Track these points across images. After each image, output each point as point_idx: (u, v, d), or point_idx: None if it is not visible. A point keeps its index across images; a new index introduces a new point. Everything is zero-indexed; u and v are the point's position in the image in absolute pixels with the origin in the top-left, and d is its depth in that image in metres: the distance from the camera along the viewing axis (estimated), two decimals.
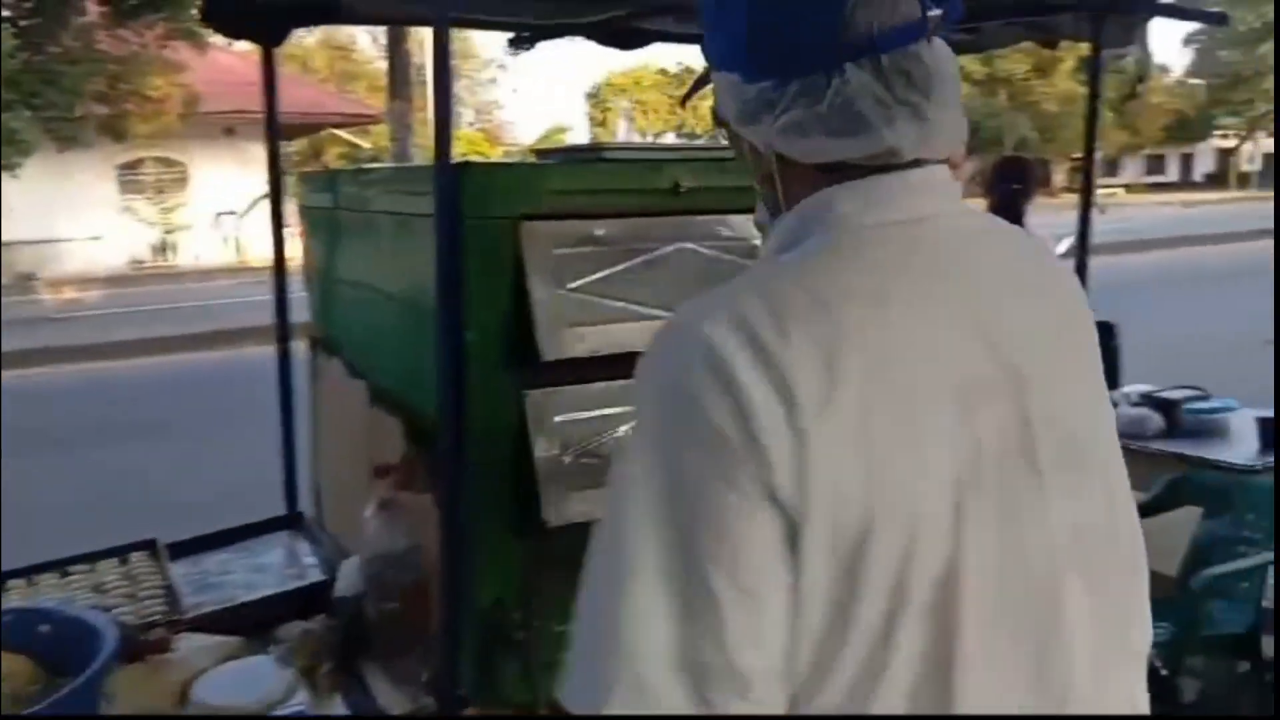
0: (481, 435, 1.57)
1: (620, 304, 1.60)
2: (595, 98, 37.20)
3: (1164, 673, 1.97)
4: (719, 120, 0.93)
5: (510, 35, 2.42)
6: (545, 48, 2.57)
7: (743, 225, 1.71)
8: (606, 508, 0.79)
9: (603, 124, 35.31)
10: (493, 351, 1.56)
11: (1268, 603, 2.72)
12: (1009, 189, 3.85)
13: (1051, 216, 5.54)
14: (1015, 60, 29.56)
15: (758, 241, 1.70)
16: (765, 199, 0.93)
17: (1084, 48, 2.58)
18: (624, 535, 0.75)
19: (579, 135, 35.50)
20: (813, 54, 0.82)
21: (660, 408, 0.78)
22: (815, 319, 0.76)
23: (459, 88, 34.32)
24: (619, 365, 1.61)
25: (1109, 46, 2.31)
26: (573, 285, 1.58)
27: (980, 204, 4.35)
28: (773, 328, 0.75)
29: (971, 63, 31.70)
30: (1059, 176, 36.81)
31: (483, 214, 1.54)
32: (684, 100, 1.09)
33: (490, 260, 1.55)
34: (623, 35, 2.61)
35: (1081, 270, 2.74)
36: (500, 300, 1.56)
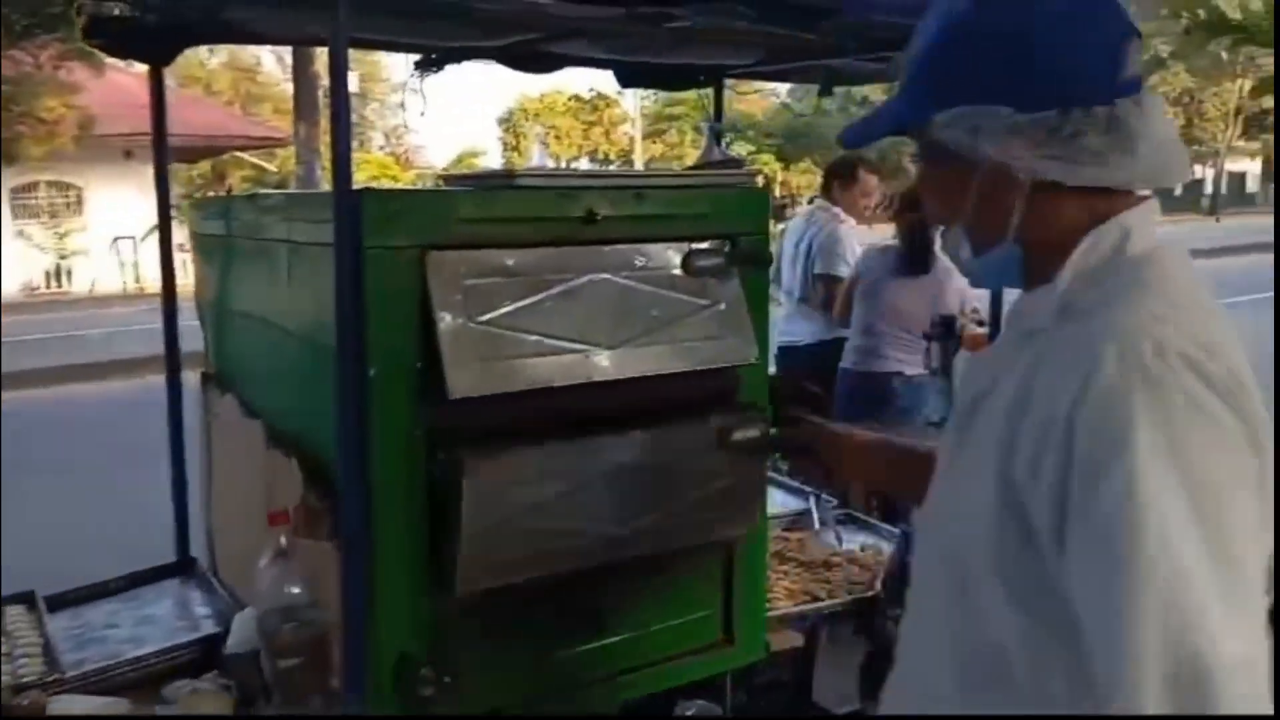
0: (386, 478, 1.47)
1: (535, 337, 1.53)
2: (507, 122, 37.09)
3: None
4: (934, 155, 1.00)
5: (417, 57, 2.34)
6: (455, 70, 2.49)
7: (660, 254, 1.66)
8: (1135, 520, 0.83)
9: (515, 149, 35.20)
10: (397, 389, 1.48)
11: None
12: (913, 214, 3.90)
13: None
14: None
15: (676, 271, 1.66)
16: (979, 225, 1.00)
17: None
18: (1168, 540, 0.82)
19: (492, 160, 35.35)
20: (1095, 86, 0.94)
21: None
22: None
23: (368, 110, 33.86)
24: (533, 401, 1.55)
25: None
26: (483, 318, 1.50)
27: (890, 230, 4.40)
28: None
29: (879, 92, 32.42)
30: None
31: (386, 243, 1.45)
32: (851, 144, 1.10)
33: (394, 292, 1.47)
34: (532, 59, 2.55)
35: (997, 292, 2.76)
36: (405, 335, 1.47)
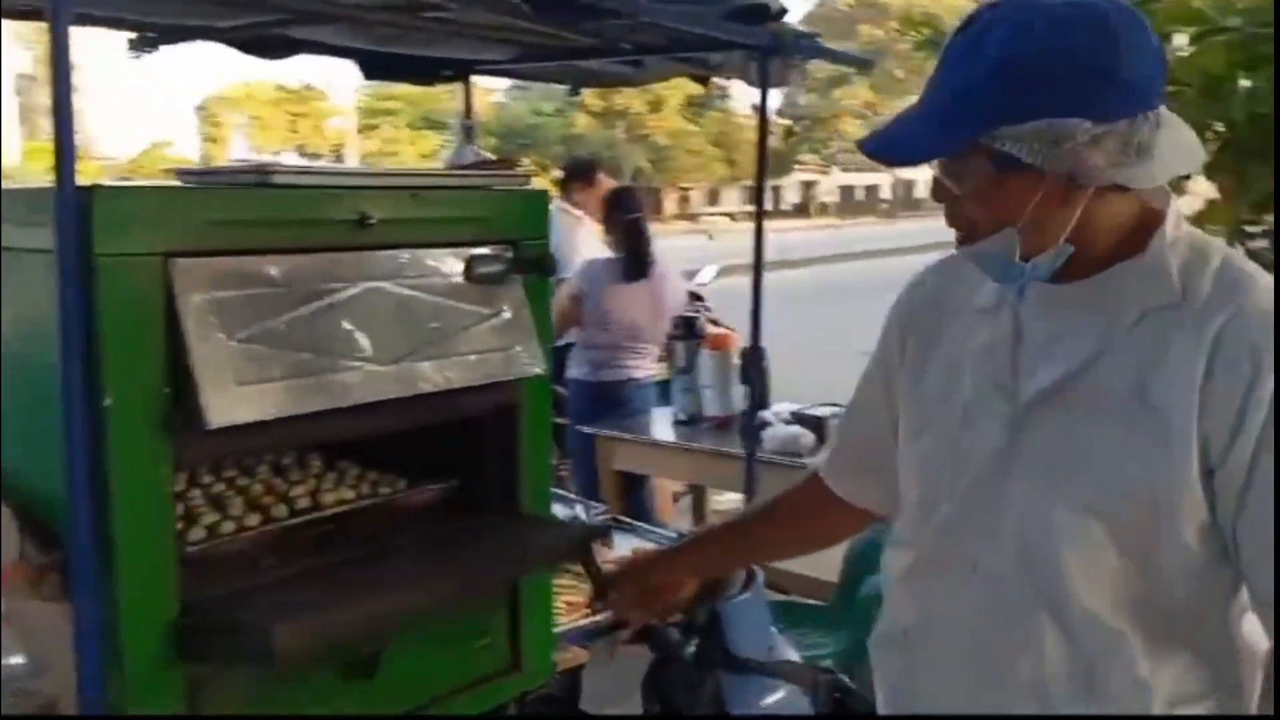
0: (129, 525, 1.26)
1: (304, 355, 1.36)
2: (204, 110, 34.50)
3: (853, 687, 2.03)
4: (999, 166, 1.03)
5: (133, 35, 2.06)
6: (133, 55, 2.22)
7: (439, 261, 1.54)
8: None
9: (213, 139, 32.80)
10: (140, 420, 1.27)
11: None
12: (625, 217, 3.98)
13: (668, 241, 5.83)
14: (630, 96, 31.30)
15: (457, 279, 1.54)
16: (1038, 230, 1.05)
17: (690, 86, 2.78)
18: None
19: (185, 150, 32.70)
20: (1155, 91, 1.04)
21: None
22: None
23: (41, 94, 30.34)
24: (303, 427, 1.39)
25: (771, 85, 2.39)
26: (242, 335, 1.32)
27: (598, 229, 4.45)
28: None
29: (591, 96, 33.12)
30: (669, 204, 39.46)
31: (121, 249, 1.24)
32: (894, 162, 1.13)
33: (132, 306, 1.25)
34: (265, 44, 2.33)
35: (757, 288, 2.82)
36: (148, 356, 1.27)
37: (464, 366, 1.53)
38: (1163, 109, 1.04)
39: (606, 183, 4.71)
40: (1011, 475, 1.12)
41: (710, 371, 3.73)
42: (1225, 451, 1.01)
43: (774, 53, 2.27)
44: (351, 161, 24.19)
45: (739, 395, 3.66)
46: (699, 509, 4.33)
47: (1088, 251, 1.07)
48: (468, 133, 2.65)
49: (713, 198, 42.57)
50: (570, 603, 2.08)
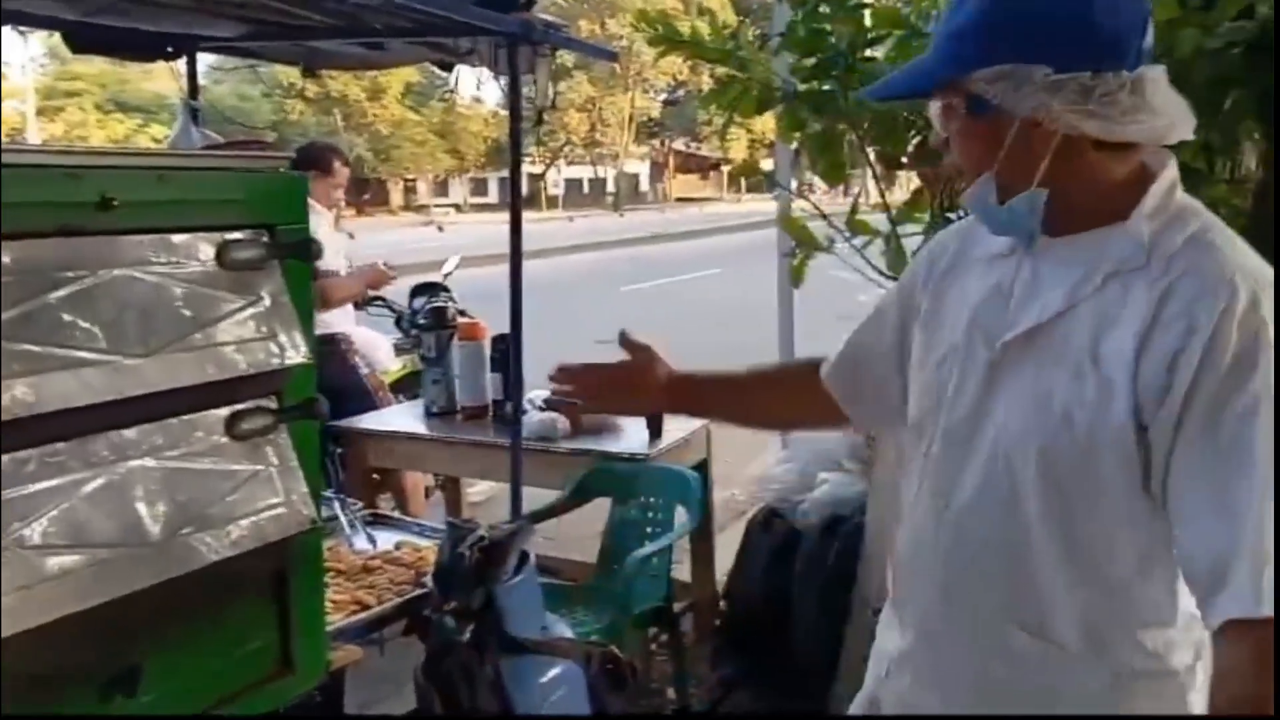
0: None
1: (43, 349, 1.24)
2: None
3: (622, 656, 2.11)
4: (973, 108, 1.11)
5: None
6: None
7: (190, 246, 1.45)
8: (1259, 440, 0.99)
9: None
10: None
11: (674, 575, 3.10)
12: None
13: (397, 234, 5.70)
14: (348, 82, 30.19)
15: (211, 265, 1.45)
16: (1008, 173, 1.11)
17: (409, 74, 2.76)
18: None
19: None
20: (1126, 52, 1.07)
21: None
22: None
23: None
24: (46, 428, 1.27)
25: (520, 73, 2.40)
26: None
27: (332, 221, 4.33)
28: None
29: (306, 82, 31.55)
30: (395, 196, 38.48)
31: None
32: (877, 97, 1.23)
33: None
34: None
35: (516, 278, 2.84)
36: None
37: (223, 357, 1.45)
38: (1148, 73, 1.08)
39: (343, 171, 4.54)
40: (985, 417, 1.17)
41: (462, 361, 3.70)
42: (1155, 410, 1.04)
43: (523, 41, 2.29)
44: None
45: (491, 384, 3.67)
46: (453, 501, 4.28)
47: (1080, 206, 1.12)
48: (194, 114, 2.47)
49: (441, 189, 41.91)
50: (336, 601, 2.02)
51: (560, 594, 3.08)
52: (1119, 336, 1.07)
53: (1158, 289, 1.06)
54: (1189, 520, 1.03)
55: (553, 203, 43.01)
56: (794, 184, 3.86)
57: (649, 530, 3.09)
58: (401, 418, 3.84)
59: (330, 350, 4.22)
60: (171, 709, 1.51)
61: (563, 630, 2.13)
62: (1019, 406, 1.14)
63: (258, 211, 1.55)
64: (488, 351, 3.66)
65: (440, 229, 27.06)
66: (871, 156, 2.75)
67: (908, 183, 3.16)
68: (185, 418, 1.45)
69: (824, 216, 3.00)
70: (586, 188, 45.86)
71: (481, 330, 3.71)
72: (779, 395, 1.58)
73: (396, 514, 2.62)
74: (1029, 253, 1.18)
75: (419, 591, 2.08)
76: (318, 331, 4.22)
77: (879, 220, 2.76)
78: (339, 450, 3.97)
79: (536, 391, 3.73)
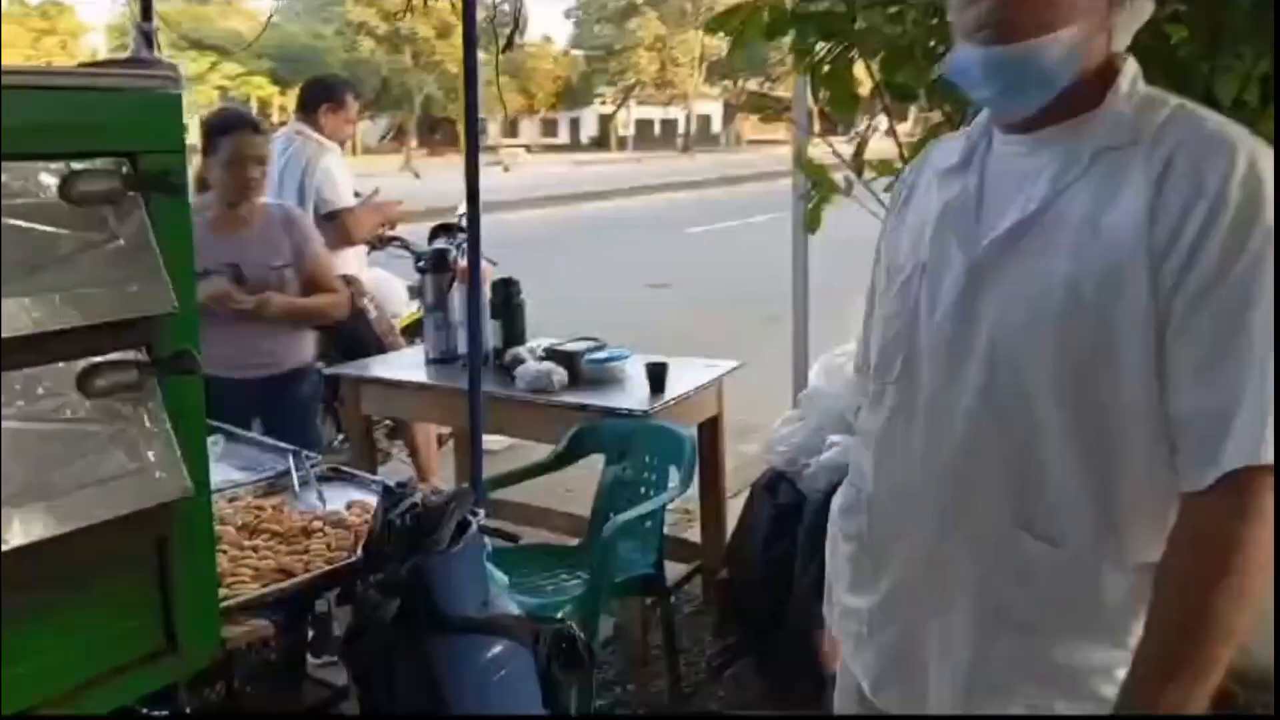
0: None
1: None
2: None
3: (579, 635, 1.92)
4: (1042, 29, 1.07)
5: None
6: None
7: (30, 176, 1.26)
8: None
9: None
10: None
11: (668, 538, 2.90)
12: None
13: (460, 174, 5.55)
14: (418, 20, 30.02)
15: (52, 199, 1.27)
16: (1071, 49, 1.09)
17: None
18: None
19: None
20: None
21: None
22: None
23: None
24: None
25: None
26: None
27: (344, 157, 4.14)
28: None
29: (375, 19, 31.55)
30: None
31: None
32: None
33: None
34: None
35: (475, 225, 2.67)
36: None
37: (63, 305, 1.27)
38: None
39: (354, 105, 4.36)
40: (975, 322, 1.14)
41: (463, 307, 3.51)
42: (1166, 270, 1.03)
43: None
44: None
45: (492, 331, 3.48)
46: (467, 453, 4.10)
47: (1062, 96, 1.11)
48: (147, 38, 2.29)
49: (510, 129, 41.73)
50: (258, 569, 1.87)
51: (553, 556, 2.92)
52: (1123, 208, 1.06)
53: (1157, 158, 1.05)
54: (1191, 378, 1.03)
55: (623, 144, 42.57)
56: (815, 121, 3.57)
57: (643, 492, 2.89)
58: (400, 365, 3.68)
59: None
60: (36, 688, 1.37)
61: (506, 606, 1.94)
62: (1018, 297, 1.11)
63: (117, 137, 1.35)
64: (489, 296, 3.47)
65: (506, 169, 26.95)
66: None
67: (924, 123, 2.86)
68: (26, 372, 1.28)
69: (840, 156, 2.74)
70: (658, 129, 45.30)
71: (483, 274, 3.51)
72: None
73: (364, 472, 2.44)
74: (989, 155, 1.19)
75: (349, 560, 1.91)
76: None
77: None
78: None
79: (538, 340, 3.53)
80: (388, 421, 4.41)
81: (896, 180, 1.41)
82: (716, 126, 47.48)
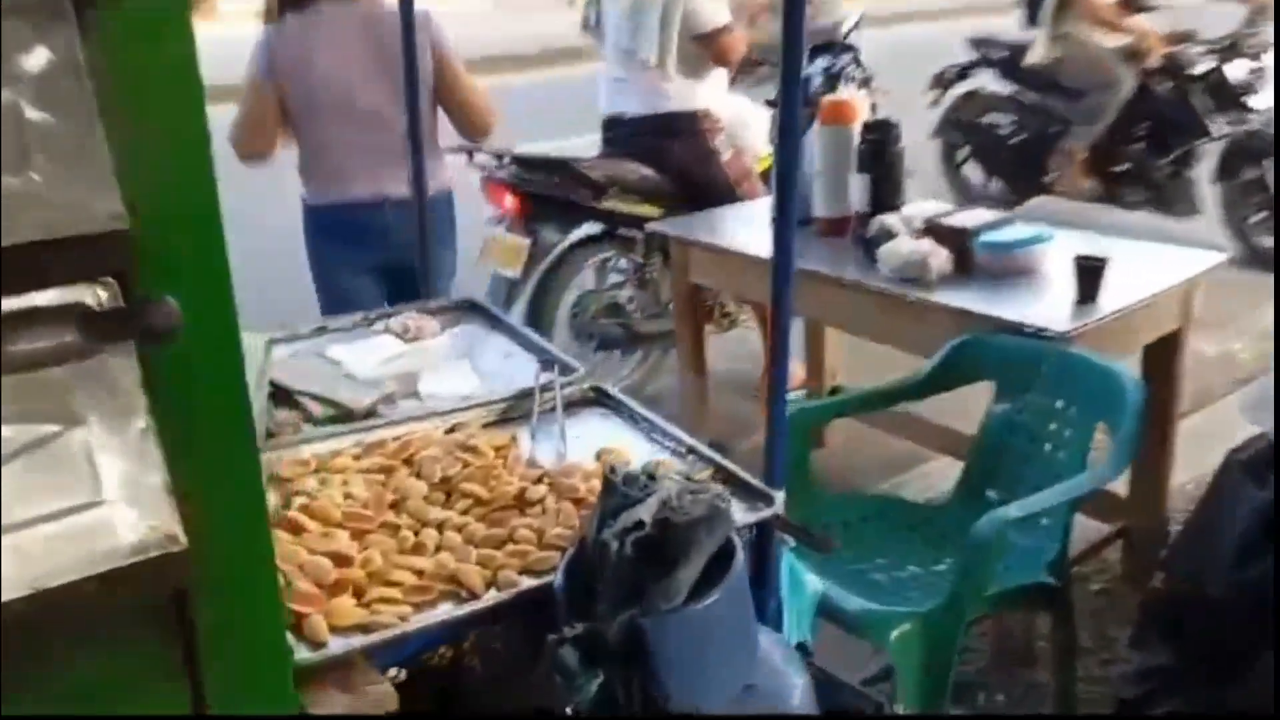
0: None
1: None
2: None
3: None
4: None
5: None
6: None
7: None
8: None
9: None
10: None
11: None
12: None
13: None
14: None
15: None
16: None
17: None
18: None
19: None
20: None
21: None
22: None
23: None
24: None
25: None
26: None
27: None
28: None
29: None
30: None
31: None
32: None
33: None
34: None
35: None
36: None
37: None
38: None
39: None
40: None
41: (823, 153, 2.66)
42: None
43: None
44: None
45: (859, 188, 2.61)
46: (813, 347, 3.27)
47: None
48: None
49: None
50: (420, 574, 1.27)
51: (900, 515, 2.12)
52: None
53: None
54: None
55: None
56: None
57: (1047, 450, 1.96)
58: (736, 222, 2.93)
59: (688, 130, 3.38)
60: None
61: (787, 683, 1.20)
62: None
63: None
64: (856, 142, 2.58)
65: None
66: None
67: None
68: None
69: None
70: None
71: (851, 111, 2.61)
72: None
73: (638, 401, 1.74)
74: None
75: (535, 584, 1.24)
76: (673, 107, 3.43)
77: None
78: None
79: (924, 204, 2.60)
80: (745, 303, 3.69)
81: None
82: None
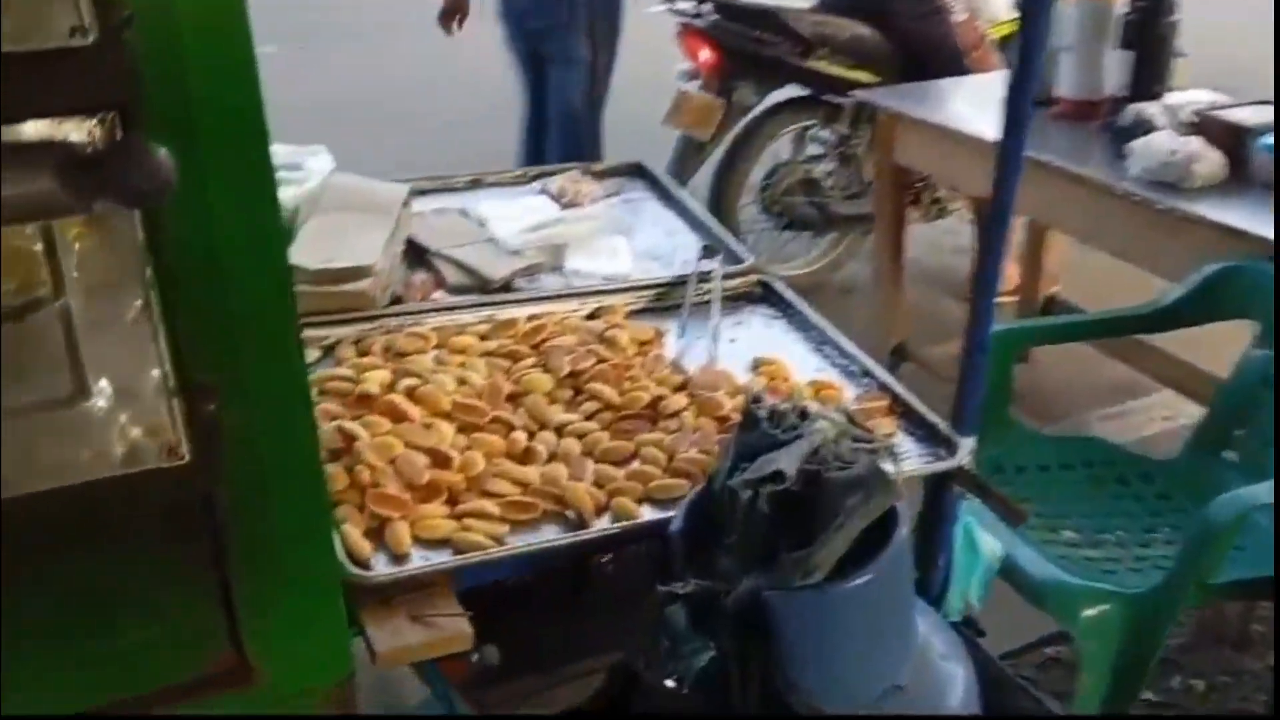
0: None
1: None
2: None
3: None
4: None
5: None
6: None
7: None
8: None
9: None
10: None
11: None
12: None
13: None
14: None
15: None
16: None
17: None
18: None
19: None
20: None
21: None
22: None
23: None
24: None
25: None
26: None
27: None
28: None
29: None
30: None
31: None
32: None
33: None
34: None
35: None
36: None
37: None
38: None
39: None
40: None
41: (1077, 25, 2.23)
42: None
43: None
44: None
45: (1118, 67, 2.18)
46: (1032, 250, 2.84)
47: None
48: None
49: None
50: (524, 487, 1.10)
51: (1116, 469, 1.79)
52: None
53: None
54: None
55: None
56: None
57: None
58: (960, 96, 2.53)
59: None
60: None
61: (948, 675, 0.98)
62: None
63: None
64: (1119, 10, 2.14)
65: None
66: None
67: None
68: None
69: None
70: None
71: None
72: None
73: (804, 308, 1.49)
74: None
75: (655, 519, 1.04)
76: None
77: None
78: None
79: (1195, 93, 2.15)
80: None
81: None
82: None
